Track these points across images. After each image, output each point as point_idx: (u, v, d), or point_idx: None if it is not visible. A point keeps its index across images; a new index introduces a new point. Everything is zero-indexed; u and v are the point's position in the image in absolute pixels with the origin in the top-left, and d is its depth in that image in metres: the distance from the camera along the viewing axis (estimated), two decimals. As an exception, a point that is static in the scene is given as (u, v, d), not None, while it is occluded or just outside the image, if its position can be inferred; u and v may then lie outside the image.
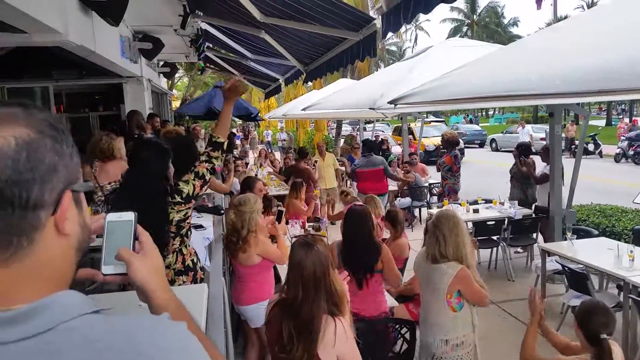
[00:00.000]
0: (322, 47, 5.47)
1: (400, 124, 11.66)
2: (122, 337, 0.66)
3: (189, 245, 3.09)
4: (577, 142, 17.05)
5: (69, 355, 0.64)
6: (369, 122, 19.73)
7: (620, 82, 2.51)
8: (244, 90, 2.98)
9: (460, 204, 7.22)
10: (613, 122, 35.83)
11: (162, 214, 2.74)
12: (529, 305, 2.77)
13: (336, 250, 3.63)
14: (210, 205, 5.27)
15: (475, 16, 51.81)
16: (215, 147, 2.89)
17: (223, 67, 11.87)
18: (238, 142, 17.88)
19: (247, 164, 11.07)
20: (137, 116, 6.25)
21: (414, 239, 7.10)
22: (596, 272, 4.96)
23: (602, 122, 36.38)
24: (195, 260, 3.10)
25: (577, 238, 5.21)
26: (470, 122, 40.04)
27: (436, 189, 9.64)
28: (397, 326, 3.74)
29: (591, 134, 20.36)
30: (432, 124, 23.29)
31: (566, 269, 4.67)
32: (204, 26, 7.31)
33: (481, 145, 27.85)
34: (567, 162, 6.59)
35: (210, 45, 9.28)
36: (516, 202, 7.07)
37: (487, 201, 7.44)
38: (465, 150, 22.32)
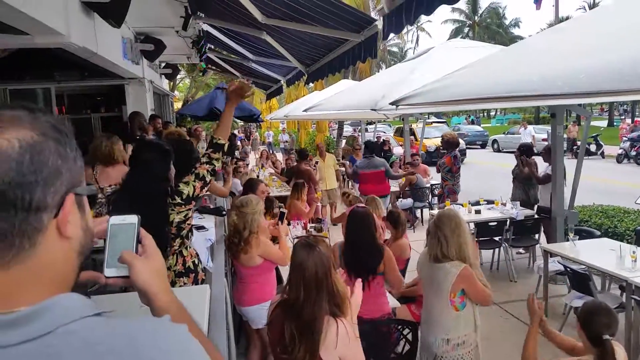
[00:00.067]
0: (324, 48, 5.47)
1: (402, 125, 11.65)
2: (123, 340, 0.66)
3: (190, 247, 3.09)
4: (579, 143, 17.05)
5: (68, 358, 0.64)
6: (370, 123, 19.78)
7: (622, 83, 2.50)
8: (248, 93, 2.97)
9: (462, 205, 7.22)
10: (615, 123, 35.76)
11: (163, 215, 2.74)
12: (528, 310, 2.77)
13: (338, 252, 3.63)
14: (212, 206, 5.26)
15: (476, 17, 51.80)
16: (216, 149, 2.90)
17: (225, 69, 11.88)
18: (239, 143, 17.90)
19: (247, 165, 11.07)
20: (139, 118, 6.27)
21: (416, 239, 7.09)
22: (598, 273, 4.95)
23: (604, 123, 36.35)
24: (196, 262, 3.10)
25: (579, 239, 5.20)
26: (472, 123, 39.99)
27: (437, 189, 9.64)
28: (399, 327, 3.74)
29: (593, 135, 20.32)
30: (434, 124, 23.28)
31: (568, 269, 4.66)
32: (206, 27, 7.32)
33: (483, 146, 27.82)
34: (569, 163, 6.58)
35: (212, 47, 9.30)
36: (518, 202, 7.06)
37: (489, 202, 7.43)
38: (467, 151, 22.34)
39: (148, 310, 0.94)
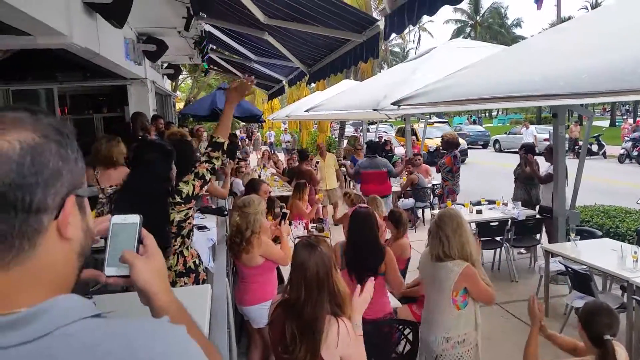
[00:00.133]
0: (325, 48, 5.48)
1: (404, 125, 11.65)
2: (121, 342, 0.66)
3: (191, 247, 3.10)
4: (580, 143, 17.03)
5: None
6: (372, 123, 19.75)
7: (624, 83, 2.50)
8: (248, 92, 2.99)
9: (463, 205, 7.22)
10: (617, 123, 35.71)
11: (164, 215, 2.75)
12: (529, 313, 2.77)
13: (340, 251, 3.63)
14: (213, 206, 5.27)
15: (478, 17, 51.75)
16: (216, 148, 2.91)
17: (226, 69, 11.90)
18: (239, 142, 17.88)
19: (248, 164, 11.08)
20: (141, 118, 6.29)
21: (417, 239, 7.10)
22: (600, 273, 4.95)
23: (606, 123, 36.28)
24: (197, 262, 3.10)
25: (580, 239, 5.20)
26: (474, 123, 39.96)
27: (438, 189, 9.63)
28: (400, 327, 3.74)
29: (595, 135, 20.28)
30: (436, 125, 23.26)
31: (569, 269, 4.66)
32: (208, 28, 7.33)
33: (484, 146, 27.79)
34: (571, 163, 6.57)
35: (214, 47, 9.31)
36: (519, 203, 7.06)
37: (491, 202, 7.43)
38: (469, 151, 22.30)
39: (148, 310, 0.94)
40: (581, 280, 4.51)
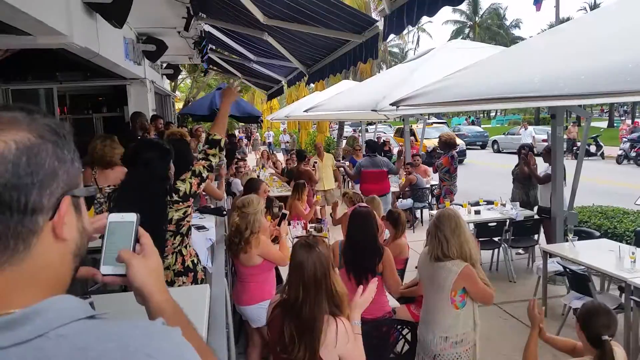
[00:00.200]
0: (325, 49, 5.48)
1: (402, 126, 11.64)
2: (114, 345, 0.65)
3: (190, 246, 3.10)
4: (579, 144, 17.04)
5: None
6: (371, 124, 19.77)
7: (622, 84, 2.51)
8: (234, 95, 3.16)
9: (461, 205, 7.23)
10: (615, 124, 35.74)
11: (162, 214, 2.75)
12: (529, 316, 2.78)
13: (338, 250, 3.64)
14: (212, 206, 5.27)
15: (477, 18, 51.83)
16: (212, 145, 2.92)
17: (226, 69, 11.89)
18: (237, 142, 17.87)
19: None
20: (141, 118, 6.29)
21: (416, 240, 7.11)
22: (597, 274, 4.96)
23: (604, 124, 36.30)
24: (195, 261, 3.10)
25: (578, 239, 5.21)
26: (472, 123, 39.93)
27: (436, 190, 9.64)
28: (398, 327, 3.74)
29: (593, 136, 20.32)
30: (434, 125, 23.28)
31: (567, 270, 4.67)
32: (207, 28, 7.33)
33: (483, 146, 27.83)
34: (569, 164, 6.59)
35: (214, 47, 9.30)
36: (518, 203, 7.07)
37: (489, 202, 7.44)
38: (467, 151, 22.33)
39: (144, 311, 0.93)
40: (579, 280, 4.52)
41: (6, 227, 0.66)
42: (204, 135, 10.04)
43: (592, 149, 20.00)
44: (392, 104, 4.94)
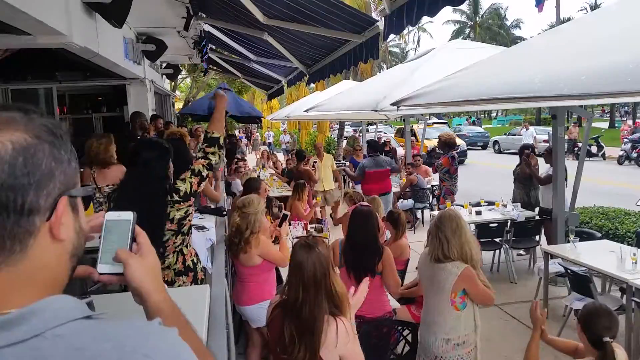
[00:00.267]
0: (325, 49, 5.48)
1: (403, 126, 11.63)
2: (110, 345, 0.65)
3: (190, 246, 3.10)
4: (580, 144, 17.02)
5: None
6: (371, 124, 19.77)
7: (623, 85, 2.50)
8: (224, 100, 3.27)
9: (462, 206, 7.21)
10: (616, 124, 35.74)
11: (161, 214, 2.74)
12: (531, 317, 2.77)
13: (338, 248, 3.63)
14: (212, 206, 5.26)
15: (477, 18, 51.85)
16: (211, 143, 2.91)
17: (226, 69, 11.89)
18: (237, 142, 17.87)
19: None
20: (140, 118, 6.29)
21: (416, 240, 7.09)
22: (599, 275, 4.95)
23: (605, 124, 36.29)
24: (195, 261, 3.10)
25: (579, 240, 5.19)
26: (473, 124, 39.94)
27: (437, 190, 9.63)
28: (399, 328, 3.73)
29: (594, 136, 20.30)
30: (435, 125, 23.28)
31: (569, 271, 4.66)
32: (207, 28, 7.33)
33: (484, 147, 27.81)
34: (570, 164, 6.57)
35: (213, 47, 9.30)
36: (519, 204, 7.06)
37: (490, 203, 7.43)
38: (468, 152, 22.32)
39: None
40: (580, 281, 4.51)
41: (2, 227, 0.65)
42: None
43: (594, 149, 19.98)
44: (392, 104, 4.93)
